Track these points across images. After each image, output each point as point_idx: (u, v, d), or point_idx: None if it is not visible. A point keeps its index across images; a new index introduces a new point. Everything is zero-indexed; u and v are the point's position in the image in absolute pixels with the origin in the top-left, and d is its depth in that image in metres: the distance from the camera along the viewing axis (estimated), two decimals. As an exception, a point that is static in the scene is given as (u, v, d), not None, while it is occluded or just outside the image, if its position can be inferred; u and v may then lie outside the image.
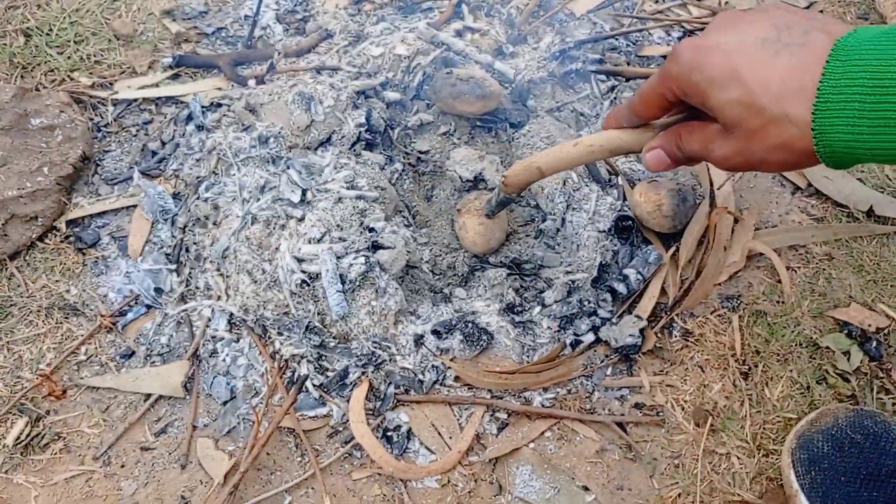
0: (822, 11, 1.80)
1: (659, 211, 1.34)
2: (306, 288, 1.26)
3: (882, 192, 1.45)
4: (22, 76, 1.63)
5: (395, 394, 1.24)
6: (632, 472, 1.19)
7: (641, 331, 1.27)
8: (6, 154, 1.41)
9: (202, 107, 1.56)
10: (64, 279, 1.37)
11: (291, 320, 1.26)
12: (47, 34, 1.70)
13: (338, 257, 1.26)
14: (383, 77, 1.55)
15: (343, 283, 1.24)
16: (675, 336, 1.31)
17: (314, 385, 1.24)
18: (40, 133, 1.47)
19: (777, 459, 1.18)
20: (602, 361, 1.28)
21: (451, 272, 1.37)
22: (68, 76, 1.65)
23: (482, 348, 1.26)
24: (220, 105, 1.58)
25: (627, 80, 1.63)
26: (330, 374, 1.25)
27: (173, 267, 1.38)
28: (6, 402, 1.23)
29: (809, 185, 1.48)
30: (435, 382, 1.25)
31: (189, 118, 1.56)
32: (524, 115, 1.51)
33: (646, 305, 1.33)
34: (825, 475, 1.09)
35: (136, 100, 1.64)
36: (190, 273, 1.38)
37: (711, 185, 1.45)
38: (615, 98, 1.58)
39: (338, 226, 1.29)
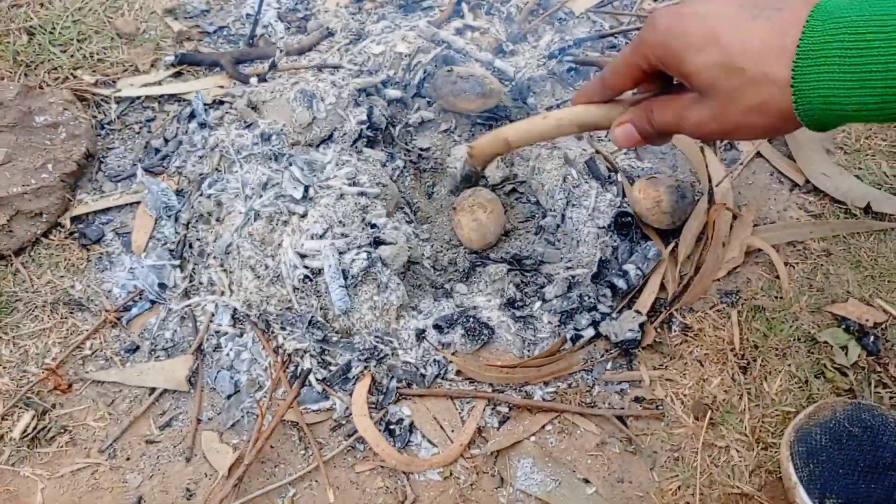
0: None
1: (658, 207, 1.35)
2: (309, 283, 1.27)
3: (879, 189, 1.46)
4: (26, 74, 1.64)
5: (398, 388, 1.25)
6: (632, 465, 1.20)
7: (641, 326, 1.28)
8: (11, 151, 1.42)
9: (204, 104, 1.57)
10: (69, 275, 1.38)
11: (294, 315, 1.27)
12: (50, 32, 1.70)
13: (340, 253, 1.27)
14: (384, 75, 1.57)
15: (345, 278, 1.25)
16: (675, 331, 1.32)
17: (317, 379, 1.25)
18: (44, 130, 1.48)
19: (776, 452, 1.19)
20: (602, 356, 1.29)
21: (451, 268, 1.38)
22: (71, 74, 1.66)
23: (483, 343, 1.27)
24: (222, 103, 1.59)
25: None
26: (333, 368, 1.26)
27: (177, 263, 1.40)
28: (13, 396, 1.24)
29: (807, 181, 1.49)
30: (437, 376, 1.26)
31: (192, 116, 1.57)
32: (524, 113, 1.52)
33: (645, 301, 1.34)
34: (823, 468, 1.10)
35: (138, 97, 1.65)
36: (193, 269, 1.39)
37: (710, 181, 1.46)
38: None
39: (340, 222, 1.30)
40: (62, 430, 1.23)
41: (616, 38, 1.74)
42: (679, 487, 1.17)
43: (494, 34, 1.69)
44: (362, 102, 1.49)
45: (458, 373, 1.27)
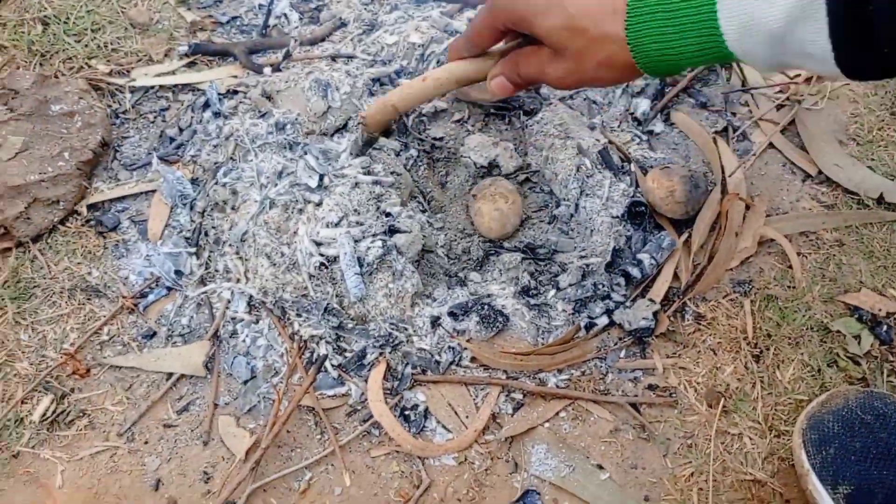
0: None
1: (671, 197, 1.36)
2: (325, 271, 1.28)
3: (892, 180, 1.46)
4: (41, 64, 1.65)
5: (413, 374, 1.26)
6: (645, 452, 1.20)
7: (654, 314, 1.29)
8: (28, 139, 1.43)
9: (219, 94, 1.58)
10: (86, 262, 1.39)
11: (310, 302, 1.28)
12: (65, 22, 1.71)
13: (355, 241, 1.28)
14: (398, 65, 1.57)
15: (361, 265, 1.26)
16: (688, 320, 1.33)
17: (333, 365, 1.26)
18: (60, 119, 1.48)
19: (788, 440, 1.20)
20: (616, 344, 1.30)
21: (465, 257, 1.38)
22: (86, 64, 1.66)
23: (498, 330, 1.28)
24: (236, 92, 1.60)
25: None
26: (348, 354, 1.27)
27: (193, 250, 1.40)
28: (32, 380, 1.26)
29: (820, 172, 1.49)
30: (451, 363, 1.27)
31: (206, 105, 1.58)
32: (537, 103, 1.53)
33: (659, 289, 1.34)
34: (836, 455, 1.11)
35: (153, 87, 1.65)
36: (209, 256, 1.40)
37: (723, 172, 1.46)
38: (627, 86, 1.60)
39: (355, 210, 1.31)
40: (81, 414, 1.24)
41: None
42: (692, 474, 1.18)
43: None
44: (377, 92, 1.49)
45: (473, 360, 1.28)
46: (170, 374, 1.27)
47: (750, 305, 1.34)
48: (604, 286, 1.32)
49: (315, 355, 1.27)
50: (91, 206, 1.46)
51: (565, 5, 0.85)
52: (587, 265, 1.33)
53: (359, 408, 1.24)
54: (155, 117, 1.61)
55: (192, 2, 1.81)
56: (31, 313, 1.33)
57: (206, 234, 1.41)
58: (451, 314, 1.29)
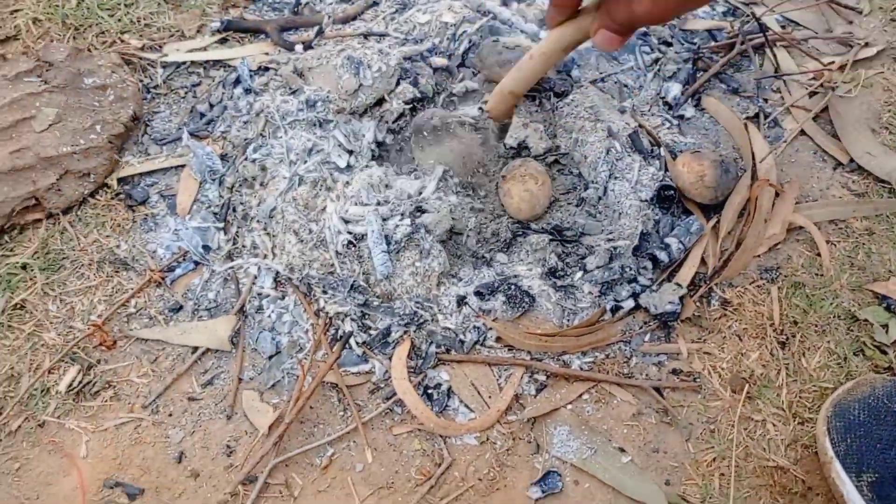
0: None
1: (701, 182, 1.35)
2: (352, 248, 1.28)
3: (925, 170, 1.45)
4: (74, 37, 1.66)
5: (437, 353, 1.26)
6: (668, 436, 1.20)
7: (681, 298, 1.29)
8: (61, 111, 1.44)
9: (250, 70, 1.58)
10: (114, 234, 1.40)
11: (336, 279, 1.28)
12: (99, -3, 1.73)
13: (383, 219, 1.28)
14: (430, 44, 1.57)
15: (388, 243, 1.26)
16: (714, 305, 1.33)
17: (357, 342, 1.27)
18: (93, 92, 1.49)
19: (812, 428, 1.19)
20: (641, 328, 1.30)
21: (494, 239, 1.38)
22: (119, 38, 1.67)
23: (524, 310, 1.28)
24: (267, 69, 1.60)
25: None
26: (373, 332, 1.27)
27: (221, 225, 1.41)
28: (59, 351, 1.27)
29: (851, 160, 1.48)
30: (476, 343, 1.27)
31: (237, 81, 1.58)
32: (568, 85, 1.52)
33: (686, 274, 1.34)
34: (861, 443, 1.10)
35: (184, 63, 1.66)
36: (237, 232, 1.40)
37: (753, 157, 1.45)
38: (659, 70, 1.59)
39: (386, 185, 1.32)
40: (106, 385, 1.25)
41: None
42: (714, 459, 1.18)
43: (540, 5, 1.69)
44: (410, 72, 1.49)
45: (498, 340, 1.28)
46: (195, 348, 1.28)
47: (777, 292, 1.33)
48: (631, 269, 1.32)
49: (340, 332, 1.28)
50: (121, 180, 1.47)
51: None
52: (614, 248, 1.33)
53: (382, 385, 1.24)
54: (186, 93, 1.62)
55: (225, -22, 1.82)
56: (59, 284, 1.34)
57: (235, 210, 1.42)
58: (478, 294, 1.29)
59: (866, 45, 1.68)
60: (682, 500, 1.14)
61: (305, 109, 1.42)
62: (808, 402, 1.22)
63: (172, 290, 1.35)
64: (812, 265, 1.36)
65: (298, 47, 1.62)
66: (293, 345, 1.28)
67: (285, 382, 1.25)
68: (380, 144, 1.43)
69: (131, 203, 1.44)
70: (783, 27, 1.75)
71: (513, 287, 1.28)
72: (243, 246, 1.39)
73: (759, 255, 1.37)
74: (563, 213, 1.40)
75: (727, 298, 1.33)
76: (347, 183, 1.33)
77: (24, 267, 1.35)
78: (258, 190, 1.40)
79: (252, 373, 1.26)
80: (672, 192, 1.37)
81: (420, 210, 1.30)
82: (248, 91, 1.54)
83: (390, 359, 1.25)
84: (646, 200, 1.36)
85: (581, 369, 1.25)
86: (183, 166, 1.49)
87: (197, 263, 1.38)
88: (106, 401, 1.23)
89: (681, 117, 1.54)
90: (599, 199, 1.38)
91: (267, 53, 1.66)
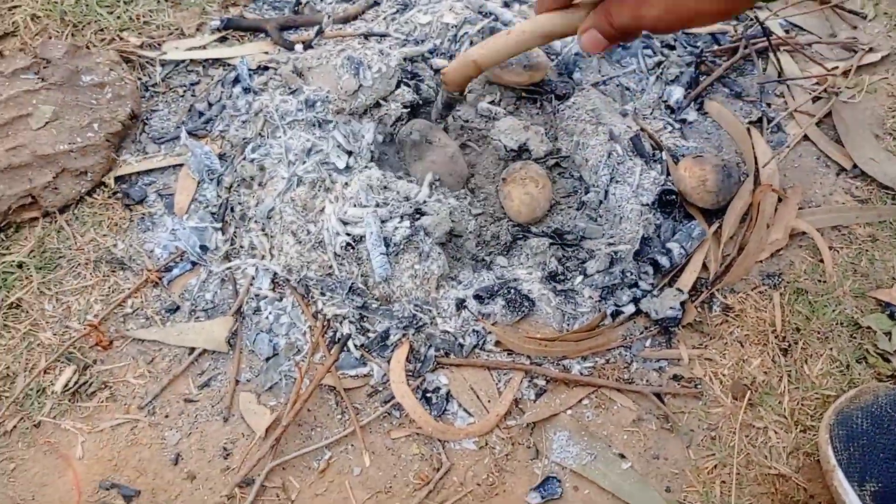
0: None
1: (703, 186, 1.34)
2: (350, 250, 1.27)
3: (929, 176, 1.44)
4: (73, 34, 1.65)
5: (435, 356, 1.25)
6: (668, 443, 1.19)
7: (682, 304, 1.28)
8: (58, 109, 1.43)
9: (249, 69, 1.57)
10: (111, 234, 1.39)
11: (335, 281, 1.27)
12: (98, -6, 1.71)
13: (382, 221, 1.27)
14: (431, 44, 1.56)
15: (387, 246, 1.25)
16: (716, 311, 1.32)
17: (356, 345, 1.26)
18: (91, 90, 1.48)
19: (814, 435, 1.19)
20: (641, 333, 1.29)
21: (494, 241, 1.37)
22: (118, 36, 1.66)
23: (524, 314, 1.27)
24: (266, 68, 1.59)
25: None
26: (371, 334, 1.26)
27: (218, 225, 1.40)
28: (55, 350, 1.26)
29: (854, 166, 1.48)
30: (475, 347, 1.26)
31: (236, 80, 1.57)
32: (570, 88, 1.51)
33: (687, 279, 1.33)
34: (863, 451, 1.09)
35: (183, 61, 1.65)
36: (235, 232, 1.39)
37: (756, 162, 1.44)
38: (661, 73, 1.58)
39: (385, 187, 1.31)
40: (103, 386, 1.24)
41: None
42: (715, 466, 1.17)
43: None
44: (411, 74, 1.48)
45: (497, 344, 1.27)
46: (192, 349, 1.27)
47: (779, 298, 1.32)
48: (631, 274, 1.31)
49: (338, 334, 1.27)
50: (118, 179, 1.46)
51: None
52: (615, 252, 1.32)
53: (380, 388, 1.23)
54: (184, 91, 1.61)
55: (224, -23, 1.81)
56: (55, 283, 1.33)
57: (233, 210, 1.41)
58: (477, 297, 1.28)
59: (870, 50, 1.68)
60: (683, 508, 1.14)
61: (305, 109, 1.41)
62: (810, 410, 1.21)
63: (169, 290, 1.34)
64: (815, 271, 1.35)
65: (298, 47, 1.61)
66: (291, 347, 1.27)
67: (283, 385, 1.24)
68: (381, 144, 1.42)
69: (128, 202, 1.43)
70: (787, 31, 1.74)
71: (512, 291, 1.27)
72: (241, 246, 1.38)
73: (761, 261, 1.36)
74: (563, 216, 1.39)
75: (729, 304, 1.32)
76: (346, 184, 1.32)
77: (20, 266, 1.34)
78: (256, 190, 1.39)
79: (249, 375, 1.25)
80: (674, 196, 1.37)
81: (419, 212, 1.29)
82: (247, 90, 1.53)
83: (389, 362, 1.24)
84: (647, 204, 1.35)
85: (581, 374, 1.24)
86: (181, 165, 1.48)
87: (194, 264, 1.37)
88: (102, 401, 1.22)
89: (683, 121, 1.53)
90: (600, 202, 1.37)
91: (266, 52, 1.65)
